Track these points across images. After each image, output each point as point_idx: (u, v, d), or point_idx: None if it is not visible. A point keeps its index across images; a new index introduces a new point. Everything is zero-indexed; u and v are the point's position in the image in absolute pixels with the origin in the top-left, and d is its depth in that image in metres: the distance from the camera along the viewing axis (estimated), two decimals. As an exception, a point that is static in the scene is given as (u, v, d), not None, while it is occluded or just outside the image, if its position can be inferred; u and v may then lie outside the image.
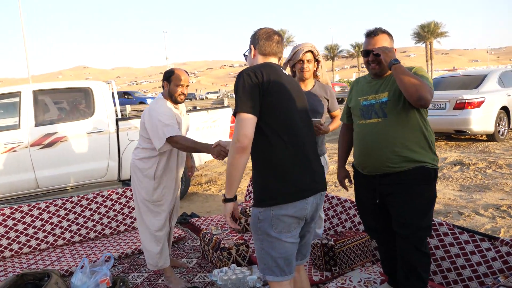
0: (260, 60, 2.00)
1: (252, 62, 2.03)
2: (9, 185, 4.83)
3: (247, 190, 4.95)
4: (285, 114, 1.87)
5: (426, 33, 58.59)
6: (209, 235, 3.46)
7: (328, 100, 3.18)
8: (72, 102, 5.53)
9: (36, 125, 4.93)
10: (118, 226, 4.38)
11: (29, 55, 22.02)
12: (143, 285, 3.21)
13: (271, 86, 1.84)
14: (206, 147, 2.77)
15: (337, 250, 2.84)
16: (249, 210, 4.14)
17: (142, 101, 27.80)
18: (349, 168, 2.71)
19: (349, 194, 5.11)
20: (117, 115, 5.51)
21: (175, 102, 3.06)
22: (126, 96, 28.59)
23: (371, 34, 2.34)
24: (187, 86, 3.06)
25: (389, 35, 2.36)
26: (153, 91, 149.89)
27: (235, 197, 1.88)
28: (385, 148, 2.26)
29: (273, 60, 2.02)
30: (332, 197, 3.62)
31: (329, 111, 3.24)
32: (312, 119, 2.97)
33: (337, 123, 3.22)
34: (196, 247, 3.88)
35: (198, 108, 14.22)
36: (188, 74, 3.11)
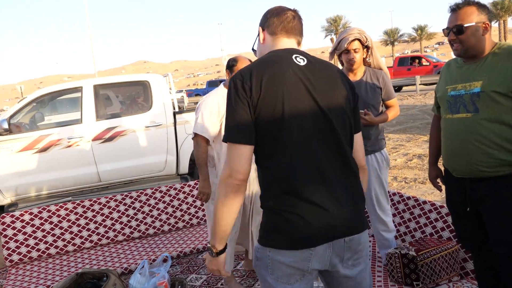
0: (270, 43, 1.51)
1: (261, 51, 1.56)
2: (73, 178, 4.91)
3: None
4: (284, 131, 1.34)
5: (500, 10, 53.87)
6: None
7: (381, 89, 2.83)
8: (131, 96, 5.53)
9: (97, 119, 4.96)
10: (176, 222, 4.27)
11: (95, 52, 23.04)
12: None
13: (261, 96, 1.33)
14: (202, 174, 2.81)
15: (420, 262, 2.46)
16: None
17: None
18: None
19: (436, 194, 4.64)
20: (174, 108, 5.43)
21: None
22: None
23: (454, 8, 1.94)
24: None
25: (479, 7, 1.92)
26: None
27: (226, 245, 1.43)
28: (476, 149, 1.88)
29: (287, 42, 1.49)
30: (408, 198, 3.22)
31: (383, 100, 2.88)
32: (360, 110, 2.64)
33: (392, 114, 2.87)
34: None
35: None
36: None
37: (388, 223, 2.89)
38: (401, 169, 6.02)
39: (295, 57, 1.42)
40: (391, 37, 74.62)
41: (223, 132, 2.45)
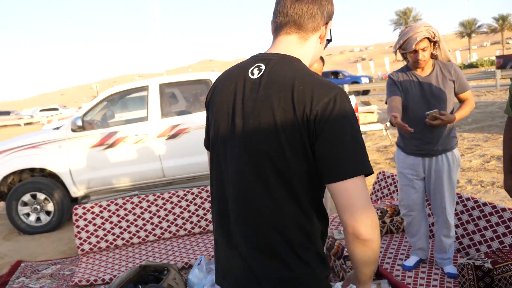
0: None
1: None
2: (140, 173, 5.12)
3: (373, 188, 4.44)
4: (213, 162, 1.22)
5: None
6: (330, 239, 3.10)
7: (454, 81, 2.61)
8: (194, 94, 5.65)
9: (162, 117, 5.13)
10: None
11: (163, 51, 24.04)
12: None
13: (208, 111, 1.26)
14: None
15: (497, 276, 2.22)
16: (385, 210, 3.63)
17: (355, 81, 24.89)
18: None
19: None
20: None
21: None
22: (335, 76, 25.77)
23: None
24: None
25: None
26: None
27: None
28: None
29: (275, 42, 1.18)
30: (485, 204, 2.93)
31: (456, 94, 2.65)
32: (431, 111, 2.46)
33: (467, 109, 2.64)
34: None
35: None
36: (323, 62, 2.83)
37: (451, 228, 2.71)
38: (477, 171, 5.55)
39: (253, 69, 1.14)
40: (468, 29, 69.59)
41: None
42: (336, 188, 0.99)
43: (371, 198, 4.34)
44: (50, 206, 5.08)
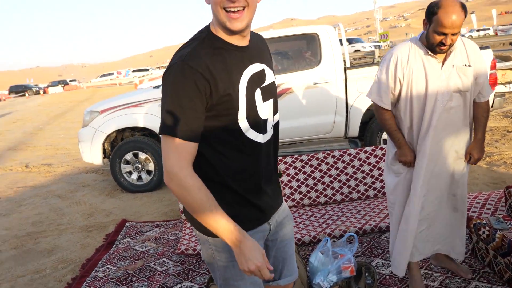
0: None
1: None
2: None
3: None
4: None
5: None
6: (487, 228, 2.48)
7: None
8: (298, 50, 5.10)
9: (265, 75, 4.70)
10: (350, 192, 3.79)
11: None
12: (392, 279, 2.53)
13: None
14: (396, 142, 2.22)
15: None
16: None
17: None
18: None
19: None
20: (345, 64, 4.82)
21: (433, 51, 2.08)
22: None
23: None
24: (454, 34, 1.96)
25: None
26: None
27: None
28: None
29: None
30: None
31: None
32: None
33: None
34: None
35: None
36: (462, 13, 1.93)
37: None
38: None
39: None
40: None
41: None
42: None
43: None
44: (150, 166, 5.02)
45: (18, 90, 43.37)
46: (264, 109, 1.34)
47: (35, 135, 11.95)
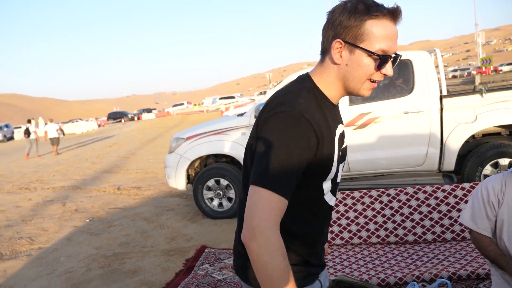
0: None
1: None
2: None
3: None
4: None
5: None
6: None
7: None
8: (388, 77, 4.86)
9: (350, 103, 4.52)
10: (443, 232, 3.41)
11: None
12: None
13: None
14: None
15: None
16: None
17: None
18: None
19: None
20: (441, 92, 4.48)
21: None
22: None
23: None
24: None
25: None
26: (455, 64, 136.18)
27: None
28: None
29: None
30: None
31: None
32: None
33: None
34: None
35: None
36: None
37: None
38: None
39: None
40: None
41: None
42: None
43: None
44: (231, 193, 5.04)
45: (116, 116, 48.00)
46: (339, 172, 1.24)
47: (127, 159, 12.88)
